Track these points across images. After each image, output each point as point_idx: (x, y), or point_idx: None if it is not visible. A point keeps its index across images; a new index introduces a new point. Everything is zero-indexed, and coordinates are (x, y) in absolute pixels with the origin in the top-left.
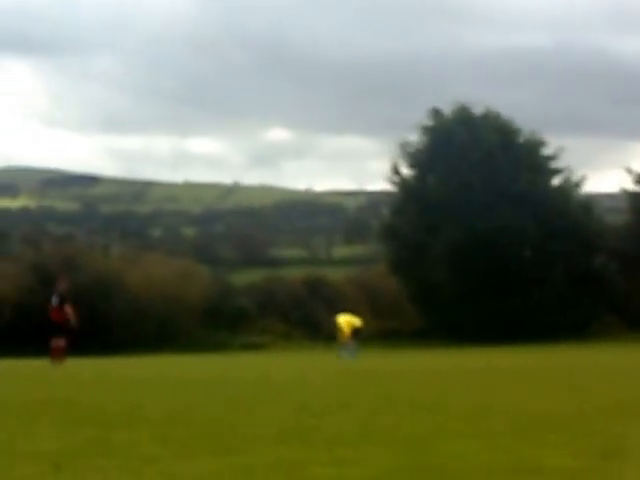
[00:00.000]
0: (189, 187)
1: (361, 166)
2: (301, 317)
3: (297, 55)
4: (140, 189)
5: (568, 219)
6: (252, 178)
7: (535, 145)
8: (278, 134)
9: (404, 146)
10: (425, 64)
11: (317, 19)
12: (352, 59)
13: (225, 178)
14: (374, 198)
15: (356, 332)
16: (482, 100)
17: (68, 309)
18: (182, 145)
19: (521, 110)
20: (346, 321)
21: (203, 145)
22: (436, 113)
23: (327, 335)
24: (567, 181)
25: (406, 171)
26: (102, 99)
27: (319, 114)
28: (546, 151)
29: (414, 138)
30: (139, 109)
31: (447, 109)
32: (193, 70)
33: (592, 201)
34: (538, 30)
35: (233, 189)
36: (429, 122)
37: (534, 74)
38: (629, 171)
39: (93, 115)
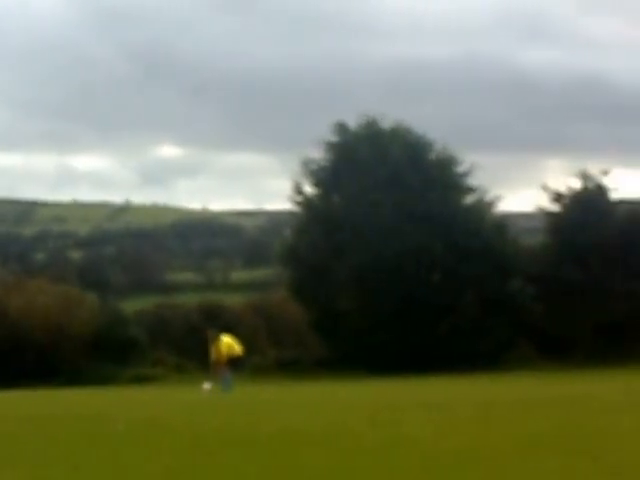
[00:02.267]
0: (77, 207)
1: (258, 184)
2: (196, 347)
3: (185, 68)
4: (24, 209)
5: (481, 240)
6: (143, 197)
7: (447, 162)
8: (168, 151)
9: (307, 163)
10: (324, 77)
11: (208, 29)
12: (244, 72)
13: (115, 197)
14: (275, 218)
15: (234, 361)
16: (388, 114)
17: None
18: (66, 162)
19: (429, 125)
20: (228, 343)
21: (89, 162)
22: (341, 128)
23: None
24: (480, 200)
25: (309, 190)
26: None
27: (211, 130)
28: (458, 168)
29: (317, 154)
30: (18, 125)
31: (353, 123)
32: (75, 83)
33: (506, 221)
34: (443, 41)
35: (124, 209)
36: (333, 137)
37: (439, 87)
38: (545, 189)
39: None
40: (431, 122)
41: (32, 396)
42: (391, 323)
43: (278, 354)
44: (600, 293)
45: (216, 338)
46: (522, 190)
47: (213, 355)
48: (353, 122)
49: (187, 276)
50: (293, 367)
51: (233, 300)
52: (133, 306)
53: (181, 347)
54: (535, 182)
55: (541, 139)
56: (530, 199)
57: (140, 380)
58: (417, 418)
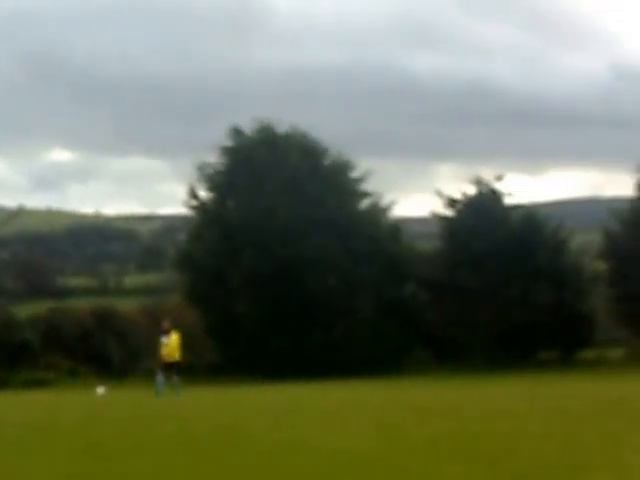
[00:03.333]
0: None
1: (150, 189)
2: (89, 351)
3: (75, 72)
4: None
5: (376, 245)
6: (36, 201)
7: (342, 167)
8: (60, 155)
9: (202, 167)
10: (215, 82)
11: (96, 33)
12: (134, 76)
13: (6, 201)
14: (169, 223)
15: (171, 365)
16: (282, 119)
17: None
18: None
19: (320, 130)
20: (178, 342)
21: None
22: (236, 132)
23: (118, 371)
24: (375, 205)
25: (204, 194)
26: None
27: (102, 134)
28: (353, 173)
29: (212, 159)
30: None
31: (247, 128)
32: None
33: (401, 226)
34: (332, 47)
35: (18, 213)
36: (229, 142)
37: (328, 92)
38: (440, 194)
39: None
40: (322, 127)
41: None
42: (287, 327)
43: None
44: (496, 299)
45: (168, 332)
46: (413, 195)
47: (167, 357)
48: (248, 127)
49: (81, 281)
50: (188, 372)
51: (127, 305)
52: (27, 310)
53: (74, 352)
54: (426, 187)
55: (431, 144)
56: (422, 204)
57: (32, 384)
58: (312, 422)
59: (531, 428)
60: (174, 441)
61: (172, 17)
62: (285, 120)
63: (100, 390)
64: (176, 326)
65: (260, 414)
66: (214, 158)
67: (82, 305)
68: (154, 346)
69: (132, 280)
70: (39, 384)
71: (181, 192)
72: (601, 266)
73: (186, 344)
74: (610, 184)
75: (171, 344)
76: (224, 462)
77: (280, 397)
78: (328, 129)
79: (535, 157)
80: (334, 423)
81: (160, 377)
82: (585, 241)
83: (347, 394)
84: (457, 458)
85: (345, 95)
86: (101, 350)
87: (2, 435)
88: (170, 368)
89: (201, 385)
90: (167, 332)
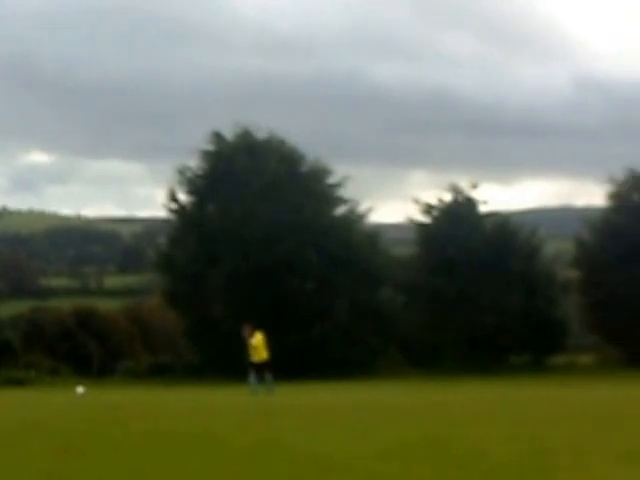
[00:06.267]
0: None
1: (127, 191)
2: (69, 351)
3: (53, 75)
4: None
5: (353, 250)
6: (16, 202)
7: (320, 173)
8: (37, 157)
9: (182, 171)
10: (189, 87)
11: (68, 36)
12: (107, 80)
13: None
14: (149, 225)
15: (261, 365)
16: (261, 125)
17: None
18: None
19: (295, 136)
20: (263, 342)
21: None
22: (217, 137)
23: (98, 370)
24: (352, 211)
25: (184, 198)
26: None
27: (77, 137)
28: (330, 180)
29: (192, 163)
30: None
31: (228, 133)
32: None
33: (377, 232)
34: (299, 56)
35: (1, 214)
36: (209, 146)
37: (297, 101)
38: (416, 201)
39: None
40: (292, 135)
41: None
42: (263, 330)
43: (151, 360)
44: (469, 304)
45: (252, 333)
46: (385, 201)
47: (256, 357)
48: (227, 131)
49: (62, 281)
50: (166, 373)
51: (107, 305)
52: (7, 310)
53: (55, 351)
54: (397, 194)
55: (400, 152)
56: (395, 211)
57: (12, 383)
58: (286, 423)
59: (501, 431)
60: (150, 440)
61: (147, 24)
62: (261, 125)
63: (80, 389)
64: (157, 327)
65: (234, 415)
66: (193, 162)
67: (63, 305)
68: (241, 347)
69: (113, 281)
70: (19, 383)
71: (159, 195)
72: (573, 274)
73: (166, 345)
74: (580, 193)
75: (258, 345)
76: (196, 462)
77: (255, 398)
78: (299, 137)
79: (505, 166)
80: (307, 425)
81: (252, 377)
82: (557, 249)
83: (321, 396)
84: (426, 460)
85: (313, 104)
86: (82, 350)
87: None
88: (262, 368)
89: (180, 386)
90: (250, 335)
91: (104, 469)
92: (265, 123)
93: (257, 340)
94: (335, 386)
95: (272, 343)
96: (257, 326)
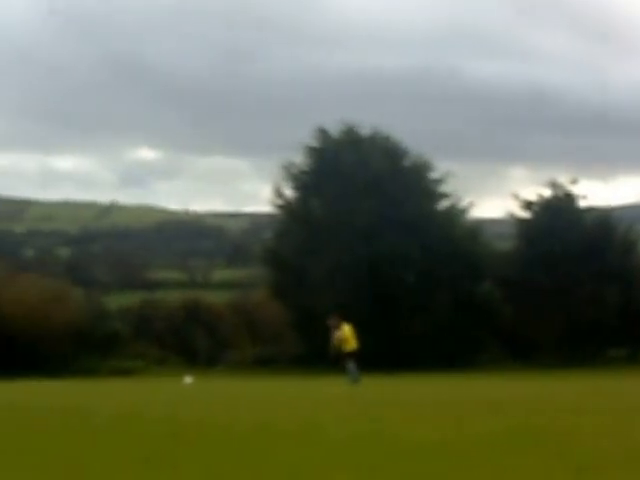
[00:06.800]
0: (66, 206)
1: (234, 187)
2: (177, 342)
3: (162, 73)
4: (16, 208)
5: (454, 244)
6: (125, 197)
7: (422, 168)
8: (145, 153)
9: (288, 167)
10: (294, 86)
11: (175, 35)
12: (213, 78)
13: (97, 197)
14: (256, 220)
15: (348, 355)
16: (359, 120)
17: None
18: (48, 163)
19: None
20: (351, 332)
21: (69, 163)
22: (322, 133)
23: (205, 361)
24: (454, 206)
25: (289, 193)
26: None
27: (184, 134)
28: (433, 175)
29: (297, 159)
30: (3, 127)
31: (332, 129)
32: (57, 89)
33: (479, 227)
34: (399, 52)
35: (110, 209)
36: (314, 143)
37: (396, 98)
38: (516, 197)
39: None
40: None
41: (13, 387)
42: (365, 322)
43: (256, 351)
44: (567, 298)
45: (338, 325)
46: (485, 198)
47: (344, 348)
48: (332, 128)
49: (170, 274)
50: (271, 364)
51: (214, 298)
52: (117, 302)
53: (163, 342)
54: (500, 190)
55: (500, 148)
56: (495, 206)
57: (121, 372)
58: (388, 413)
59: (599, 424)
60: (253, 431)
61: (258, 21)
62: (363, 121)
63: (188, 379)
64: (262, 320)
65: (339, 405)
66: (299, 158)
67: (171, 298)
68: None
69: (220, 274)
70: (127, 372)
71: (264, 191)
72: None
73: (271, 337)
74: None
75: (347, 336)
76: (300, 451)
77: (360, 389)
78: (399, 134)
79: (604, 163)
80: (410, 415)
81: (352, 366)
82: None
83: (424, 387)
84: (524, 451)
85: (412, 101)
86: (189, 341)
87: (91, 423)
88: (354, 357)
89: (284, 376)
90: (336, 326)
91: (208, 459)
92: (367, 120)
93: (346, 331)
94: (438, 378)
95: (375, 335)
96: (344, 318)
